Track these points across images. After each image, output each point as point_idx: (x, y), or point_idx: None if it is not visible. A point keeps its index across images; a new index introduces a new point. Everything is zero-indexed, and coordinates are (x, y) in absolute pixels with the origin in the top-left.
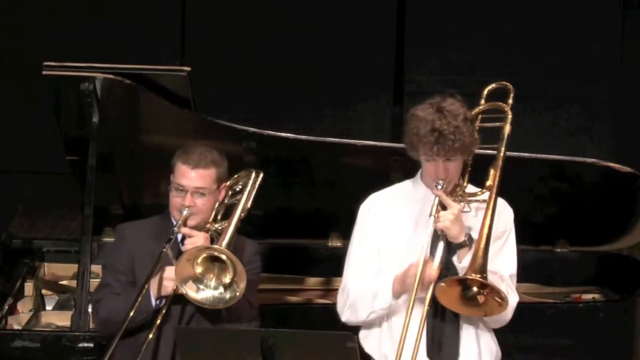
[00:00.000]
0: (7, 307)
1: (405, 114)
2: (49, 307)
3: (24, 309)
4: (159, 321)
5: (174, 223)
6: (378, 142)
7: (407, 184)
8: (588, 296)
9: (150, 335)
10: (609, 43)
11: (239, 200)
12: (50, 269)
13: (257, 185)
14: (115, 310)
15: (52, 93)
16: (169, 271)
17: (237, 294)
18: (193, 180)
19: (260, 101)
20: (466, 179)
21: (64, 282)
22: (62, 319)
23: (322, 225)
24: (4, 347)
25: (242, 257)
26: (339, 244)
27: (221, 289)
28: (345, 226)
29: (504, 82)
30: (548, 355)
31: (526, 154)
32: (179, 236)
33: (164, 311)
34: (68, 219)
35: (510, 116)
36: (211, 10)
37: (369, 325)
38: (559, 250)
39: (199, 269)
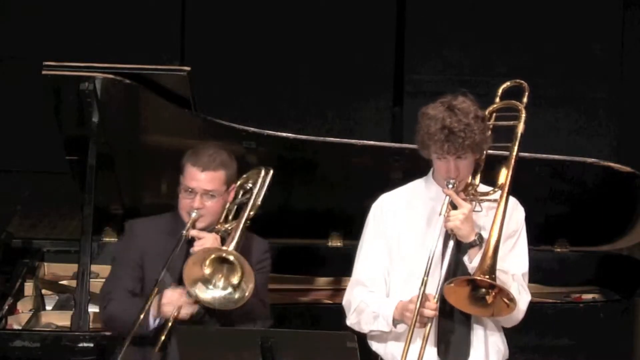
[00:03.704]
0: (7, 307)
1: (405, 114)
2: (49, 307)
3: (24, 309)
4: (163, 337)
5: (184, 222)
6: (378, 142)
7: (419, 182)
8: (588, 296)
9: (157, 350)
10: (609, 43)
11: (249, 199)
12: (50, 269)
13: (266, 183)
14: (125, 313)
15: (52, 93)
16: (168, 295)
17: (246, 294)
18: (202, 183)
19: (261, 101)
20: (478, 178)
21: (64, 282)
22: (62, 319)
23: (322, 225)
24: (4, 347)
25: (252, 255)
26: (339, 244)
27: (230, 290)
28: (345, 226)
29: (519, 81)
30: (548, 355)
31: (526, 154)
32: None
33: (163, 338)
34: (68, 219)
35: (524, 115)
36: (211, 10)
37: None
38: (559, 250)
39: (207, 270)
